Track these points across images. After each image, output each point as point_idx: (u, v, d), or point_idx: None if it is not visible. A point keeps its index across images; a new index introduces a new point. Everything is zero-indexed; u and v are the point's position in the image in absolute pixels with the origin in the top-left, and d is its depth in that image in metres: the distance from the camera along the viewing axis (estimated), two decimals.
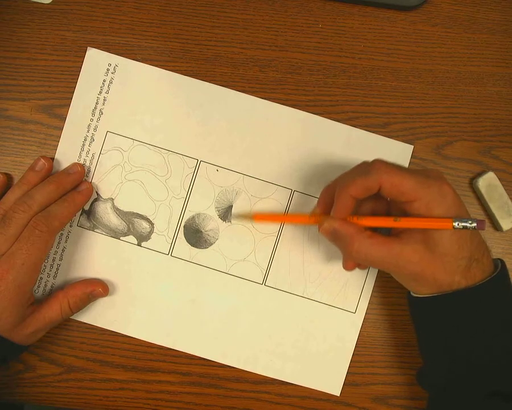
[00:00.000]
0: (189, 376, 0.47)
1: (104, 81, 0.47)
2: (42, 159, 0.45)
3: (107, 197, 0.47)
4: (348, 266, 0.42)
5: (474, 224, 0.37)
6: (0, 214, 0.43)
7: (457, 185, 0.47)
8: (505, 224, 0.46)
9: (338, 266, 0.47)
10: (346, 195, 0.39)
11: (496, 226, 0.47)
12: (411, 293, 0.41)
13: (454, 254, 0.37)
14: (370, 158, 0.40)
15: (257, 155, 0.47)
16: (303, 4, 0.48)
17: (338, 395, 0.47)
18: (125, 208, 0.47)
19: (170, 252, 0.47)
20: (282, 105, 0.47)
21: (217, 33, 0.48)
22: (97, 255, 0.47)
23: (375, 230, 0.39)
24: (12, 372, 0.47)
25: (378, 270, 0.47)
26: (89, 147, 0.47)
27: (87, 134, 0.47)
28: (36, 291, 0.47)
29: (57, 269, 0.47)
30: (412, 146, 0.47)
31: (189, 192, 0.47)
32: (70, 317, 0.46)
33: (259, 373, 0.47)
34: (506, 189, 0.46)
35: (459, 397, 0.40)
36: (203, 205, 0.47)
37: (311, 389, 0.47)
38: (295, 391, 0.47)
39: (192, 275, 0.47)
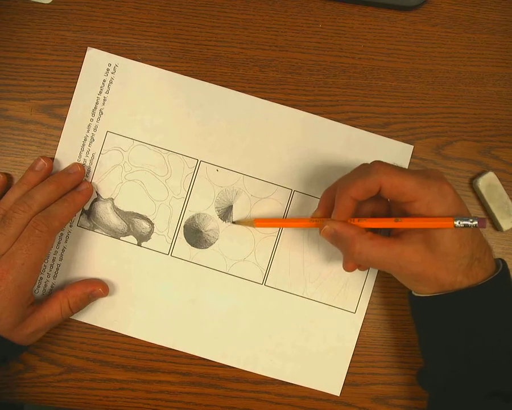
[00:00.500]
0: (189, 376, 0.47)
1: (104, 81, 0.47)
2: (42, 159, 0.45)
3: (107, 197, 0.47)
4: (348, 267, 0.43)
5: (475, 222, 0.37)
6: (0, 214, 0.43)
7: (457, 185, 0.47)
8: (505, 224, 0.46)
9: (338, 266, 0.47)
10: (346, 197, 0.39)
11: (496, 226, 0.47)
12: (413, 293, 0.41)
13: (455, 253, 0.37)
14: (370, 158, 0.40)
15: (257, 155, 0.47)
16: (303, 4, 0.48)
17: (338, 395, 0.47)
18: (125, 208, 0.47)
19: (170, 252, 0.47)
20: (282, 105, 0.47)
21: (217, 33, 0.48)
22: (97, 255, 0.47)
23: (375, 231, 0.39)
24: (12, 372, 0.47)
25: (378, 270, 0.47)
26: (89, 147, 0.47)
27: (87, 134, 0.47)
28: (36, 291, 0.47)
29: (57, 269, 0.47)
30: (412, 146, 0.47)
31: (189, 192, 0.47)
32: (70, 317, 0.46)
33: (259, 373, 0.47)
34: (506, 189, 0.46)
35: (459, 397, 0.40)
36: (203, 205, 0.47)
37: (311, 389, 0.47)
38: (295, 391, 0.47)
39: (192, 275, 0.47)
